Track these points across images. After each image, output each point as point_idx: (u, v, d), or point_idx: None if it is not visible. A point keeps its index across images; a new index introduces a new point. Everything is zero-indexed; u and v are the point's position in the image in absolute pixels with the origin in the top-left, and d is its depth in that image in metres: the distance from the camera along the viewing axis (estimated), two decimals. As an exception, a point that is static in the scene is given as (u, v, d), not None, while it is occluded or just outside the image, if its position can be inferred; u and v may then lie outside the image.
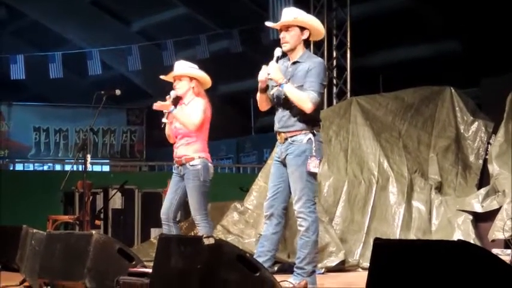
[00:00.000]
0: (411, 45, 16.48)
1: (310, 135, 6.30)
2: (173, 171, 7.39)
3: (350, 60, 13.72)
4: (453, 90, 10.16)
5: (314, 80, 6.28)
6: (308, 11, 12.92)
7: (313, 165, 6.27)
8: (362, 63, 15.49)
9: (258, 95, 6.54)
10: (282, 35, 6.42)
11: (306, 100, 6.23)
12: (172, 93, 7.30)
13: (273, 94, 6.47)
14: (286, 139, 6.39)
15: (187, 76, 7.29)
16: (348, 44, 13.70)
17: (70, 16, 20.57)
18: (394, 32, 15.84)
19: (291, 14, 6.42)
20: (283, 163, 6.44)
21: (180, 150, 7.23)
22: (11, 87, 20.43)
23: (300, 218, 6.40)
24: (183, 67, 7.37)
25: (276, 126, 6.48)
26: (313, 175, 6.37)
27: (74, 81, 21.80)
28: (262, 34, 16.49)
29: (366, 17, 15.23)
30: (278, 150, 6.56)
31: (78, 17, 20.47)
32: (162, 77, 7.46)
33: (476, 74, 12.90)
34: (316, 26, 6.45)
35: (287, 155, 6.38)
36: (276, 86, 6.36)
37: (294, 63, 6.43)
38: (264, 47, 17.25)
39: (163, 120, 7.28)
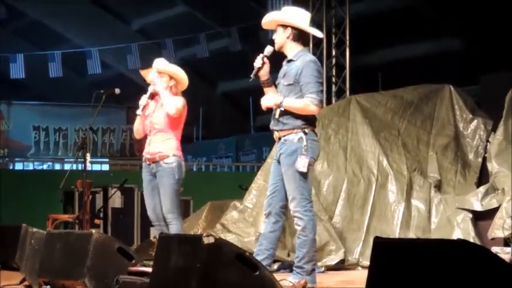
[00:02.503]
0: (410, 43, 16.49)
1: (301, 134, 6.32)
2: (143, 169, 7.29)
3: (349, 59, 13.72)
4: (452, 88, 10.15)
5: (309, 81, 6.31)
6: (307, 9, 12.87)
7: (301, 164, 6.26)
8: (361, 62, 15.48)
9: (265, 92, 6.58)
10: (274, 35, 6.54)
11: (308, 106, 6.29)
12: (150, 88, 7.25)
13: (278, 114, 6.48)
14: (279, 138, 6.44)
15: (167, 74, 7.23)
16: (347, 42, 13.70)
17: (70, 15, 20.58)
18: (392, 30, 15.84)
19: (267, 15, 6.58)
20: (280, 162, 6.47)
21: (154, 146, 7.13)
22: (10, 86, 20.44)
23: (296, 217, 6.42)
24: (165, 64, 7.31)
25: (271, 125, 6.52)
26: (305, 174, 6.34)
27: (73, 80, 21.80)
28: (262, 32, 16.47)
29: (364, 15, 15.24)
30: (275, 149, 6.63)
31: (78, 16, 20.48)
32: (141, 71, 7.45)
33: (475, 71, 12.91)
34: (291, 22, 6.44)
35: (281, 154, 6.42)
36: (277, 108, 6.38)
37: (289, 61, 6.50)
38: (263, 45, 17.26)
39: (138, 112, 7.24)
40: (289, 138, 6.35)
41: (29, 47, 20.91)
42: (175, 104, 7.06)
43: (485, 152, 9.62)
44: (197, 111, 20.86)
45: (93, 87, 10.66)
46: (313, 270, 6.51)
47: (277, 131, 6.44)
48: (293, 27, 6.43)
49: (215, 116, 21.60)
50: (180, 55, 17.91)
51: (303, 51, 6.50)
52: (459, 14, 14.91)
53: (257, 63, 6.43)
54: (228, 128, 21.36)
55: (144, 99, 7.24)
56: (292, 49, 6.46)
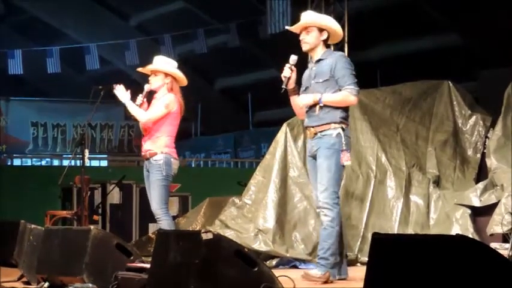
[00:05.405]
0: (409, 39, 16.49)
1: (340, 130, 6.55)
2: (144, 166, 7.45)
3: (347, 55, 13.70)
4: (451, 84, 10.14)
5: (345, 74, 6.59)
6: (306, 5, 12.93)
7: (345, 158, 6.54)
8: (359, 58, 15.46)
9: (292, 100, 6.80)
10: (302, 36, 6.74)
11: (347, 96, 6.56)
12: (146, 87, 7.41)
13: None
14: (316, 133, 6.63)
15: (162, 72, 7.34)
16: (346, 38, 13.67)
17: (68, 11, 20.58)
18: (391, 26, 15.85)
19: (307, 17, 6.81)
20: (315, 157, 6.67)
21: (146, 144, 7.33)
22: (8, 82, 20.42)
23: (325, 208, 6.59)
24: (160, 62, 7.43)
25: (306, 122, 6.75)
26: (342, 169, 6.63)
27: (71, 76, 21.80)
28: (260, 28, 16.48)
29: (363, 11, 15.24)
30: (309, 146, 6.84)
31: (76, 12, 20.47)
32: (139, 69, 7.58)
33: (474, 67, 12.91)
34: (333, 27, 6.79)
35: (318, 148, 6.60)
36: (316, 105, 6.59)
37: (318, 61, 6.74)
38: (261, 40, 17.27)
39: None
40: (328, 133, 6.57)
41: (27, 42, 20.90)
42: (144, 114, 7.28)
43: (484, 148, 9.62)
44: (195, 107, 20.85)
45: (92, 83, 10.66)
46: (335, 264, 6.62)
47: (313, 127, 6.64)
48: (329, 31, 6.74)
49: (213, 112, 21.59)
50: (179, 51, 17.90)
51: (329, 51, 6.86)
52: (458, 9, 14.90)
53: (286, 73, 6.66)
54: (227, 124, 21.35)
55: (139, 99, 7.40)
56: (321, 50, 6.75)
